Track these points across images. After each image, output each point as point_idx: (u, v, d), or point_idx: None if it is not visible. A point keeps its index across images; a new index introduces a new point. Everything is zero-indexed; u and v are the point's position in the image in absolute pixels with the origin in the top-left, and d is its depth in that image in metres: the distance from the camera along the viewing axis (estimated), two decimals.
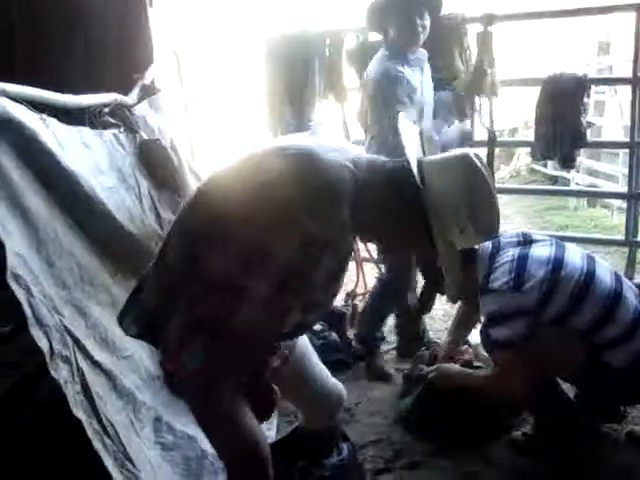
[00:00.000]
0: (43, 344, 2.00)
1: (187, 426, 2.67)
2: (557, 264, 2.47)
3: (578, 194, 8.24)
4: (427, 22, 3.37)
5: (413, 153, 1.68)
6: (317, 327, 3.63)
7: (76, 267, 2.37)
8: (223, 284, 1.53)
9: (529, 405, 2.79)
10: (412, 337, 3.86)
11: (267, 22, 4.34)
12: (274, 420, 2.96)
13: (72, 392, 2.08)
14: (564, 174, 9.81)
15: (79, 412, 2.08)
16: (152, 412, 2.60)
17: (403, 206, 1.66)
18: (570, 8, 4.17)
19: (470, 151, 1.76)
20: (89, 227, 2.48)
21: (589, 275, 2.47)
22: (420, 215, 1.63)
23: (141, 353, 2.69)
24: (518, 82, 4.50)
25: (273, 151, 1.66)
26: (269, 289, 1.51)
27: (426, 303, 2.62)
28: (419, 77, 3.39)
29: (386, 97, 3.33)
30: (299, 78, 4.10)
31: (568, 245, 2.65)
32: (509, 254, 2.53)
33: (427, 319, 4.13)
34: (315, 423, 2.07)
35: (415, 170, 1.64)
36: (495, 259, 2.54)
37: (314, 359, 2.06)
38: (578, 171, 9.46)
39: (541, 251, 2.54)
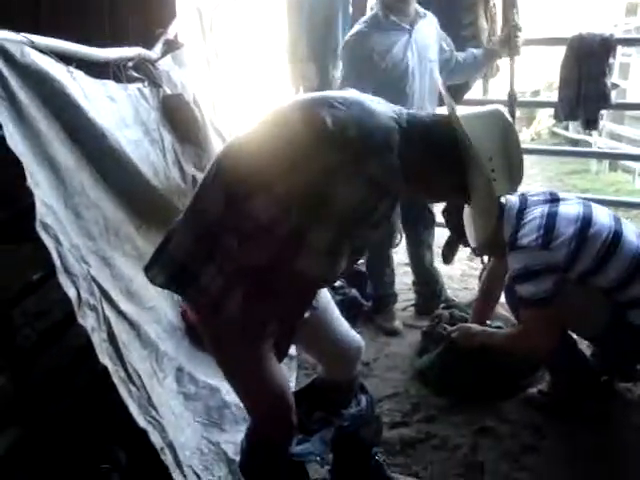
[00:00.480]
0: (71, 292, 2.04)
1: (209, 377, 2.74)
2: (586, 222, 2.47)
3: (600, 156, 8.17)
4: None
5: (454, 107, 1.72)
6: (337, 283, 3.68)
7: (102, 219, 2.40)
8: (277, 232, 1.54)
9: (547, 363, 2.82)
10: (430, 295, 3.91)
11: None
12: (294, 372, 3.02)
13: (99, 340, 2.12)
14: (586, 137, 9.72)
15: (105, 359, 2.12)
16: (174, 362, 2.66)
17: (444, 156, 1.69)
18: None
19: (501, 108, 1.83)
20: (114, 179, 2.52)
21: (617, 234, 2.48)
22: (459, 165, 1.68)
23: (163, 305, 2.75)
24: (543, 42, 4.44)
25: (323, 100, 1.66)
26: (326, 234, 1.54)
27: (448, 255, 2.64)
28: (405, 39, 3.30)
29: (346, 66, 3.38)
30: (322, 36, 4.06)
31: (595, 205, 2.65)
32: (537, 211, 2.52)
33: (445, 279, 4.16)
34: (335, 375, 2.11)
35: (458, 121, 1.68)
36: (523, 216, 2.54)
37: (336, 312, 2.09)
38: (600, 135, 9.36)
39: (569, 209, 2.54)
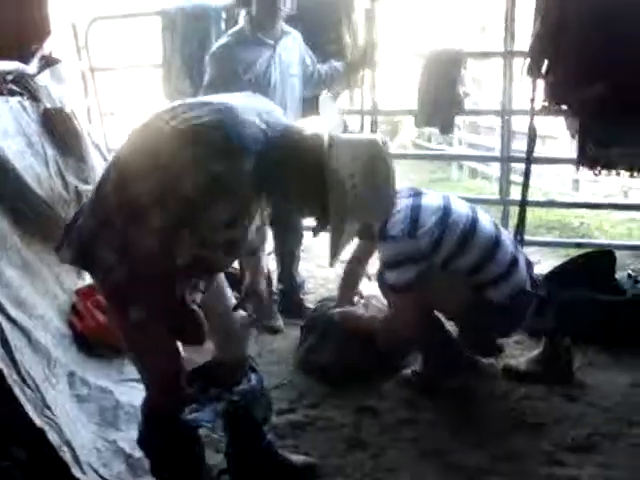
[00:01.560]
0: None
1: (100, 379, 2.80)
2: (446, 212, 2.77)
3: (460, 157, 9.39)
4: None
5: (327, 125, 1.87)
6: None
7: None
8: (135, 215, 1.71)
9: (418, 344, 3.06)
10: (292, 297, 4.06)
11: None
12: None
13: None
14: (446, 147, 10.36)
15: None
16: (65, 368, 2.70)
17: (307, 169, 1.81)
18: None
19: (379, 137, 1.90)
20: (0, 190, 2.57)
21: (473, 221, 2.79)
22: (321, 182, 1.75)
23: (50, 313, 2.80)
24: (402, 56, 4.80)
25: (200, 103, 1.85)
26: (162, 217, 1.69)
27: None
28: (269, 54, 3.48)
29: (210, 75, 3.51)
30: (195, 53, 4.16)
31: (454, 197, 2.97)
32: (403, 204, 2.77)
33: (321, 280, 4.41)
34: (227, 353, 2.24)
35: (326, 138, 1.78)
36: None
37: (228, 293, 2.26)
38: (460, 144, 10.02)
39: (431, 201, 2.82)
